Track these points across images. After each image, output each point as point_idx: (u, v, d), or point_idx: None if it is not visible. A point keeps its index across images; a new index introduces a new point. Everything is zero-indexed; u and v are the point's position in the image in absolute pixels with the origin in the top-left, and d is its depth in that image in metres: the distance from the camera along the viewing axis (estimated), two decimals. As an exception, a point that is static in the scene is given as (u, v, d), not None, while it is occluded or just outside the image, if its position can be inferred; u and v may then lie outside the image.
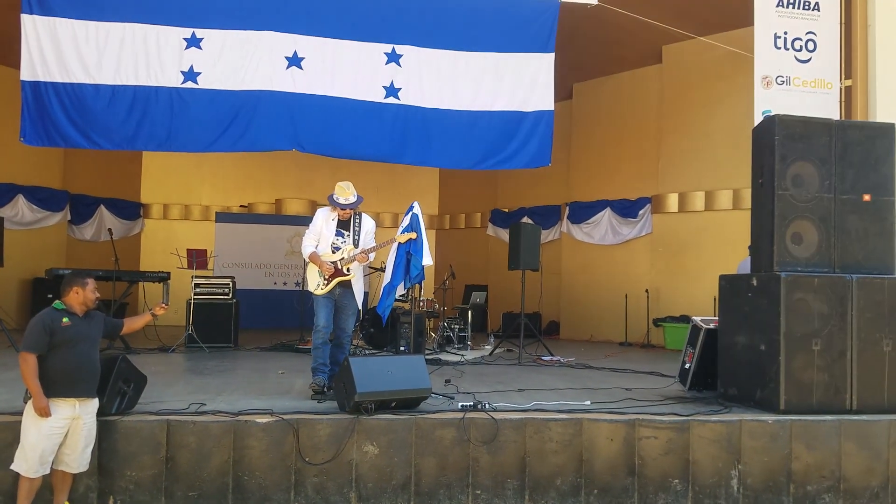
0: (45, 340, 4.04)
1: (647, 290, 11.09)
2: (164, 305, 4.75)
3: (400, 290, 6.15)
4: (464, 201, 14.86)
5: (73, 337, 4.14)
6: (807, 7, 7.46)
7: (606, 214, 12.14)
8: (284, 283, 12.95)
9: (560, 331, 12.77)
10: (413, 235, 5.94)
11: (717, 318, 6.02)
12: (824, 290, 5.26)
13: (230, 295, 9.06)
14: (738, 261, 7.42)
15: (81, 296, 4.23)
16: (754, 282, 5.47)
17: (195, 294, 8.87)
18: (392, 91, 7.23)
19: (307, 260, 5.82)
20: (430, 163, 8.06)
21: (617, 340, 11.32)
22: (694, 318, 6.35)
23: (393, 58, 7.19)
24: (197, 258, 9.25)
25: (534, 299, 11.20)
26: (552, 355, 8.81)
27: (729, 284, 5.84)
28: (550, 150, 7.49)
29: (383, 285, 6.26)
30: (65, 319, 4.14)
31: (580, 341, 11.65)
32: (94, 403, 4.26)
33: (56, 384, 4.05)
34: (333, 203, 5.79)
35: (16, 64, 6.77)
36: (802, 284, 5.23)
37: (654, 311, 11.01)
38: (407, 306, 8.57)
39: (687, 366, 6.12)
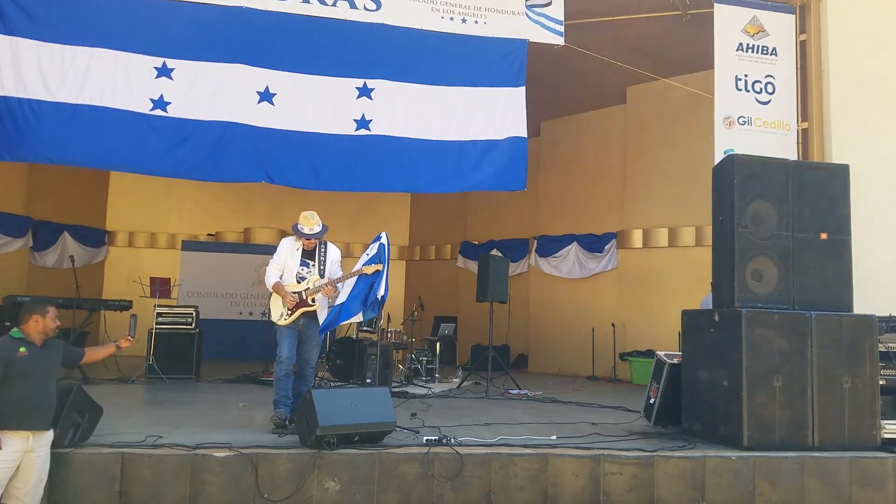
0: (0, 371, 3.92)
1: (613, 325, 11.18)
2: (129, 338, 4.61)
3: (356, 319, 6.01)
4: (434, 233, 14.90)
5: (30, 368, 4.03)
6: (765, 52, 7.74)
7: (573, 249, 12.28)
8: (250, 314, 12.75)
9: (528, 364, 12.77)
10: (380, 267, 5.89)
11: (680, 353, 6.09)
12: (784, 326, 5.35)
13: (193, 325, 8.89)
14: (702, 297, 7.53)
15: (41, 324, 4.13)
16: (716, 317, 5.56)
17: (157, 323, 8.70)
18: (363, 123, 7.26)
19: (271, 290, 5.75)
20: (402, 189, 8.08)
21: (584, 374, 11.36)
22: (658, 352, 6.40)
23: (364, 92, 7.24)
24: (160, 287, 9.08)
25: (503, 331, 11.21)
26: (520, 389, 8.79)
27: (691, 320, 5.92)
28: (525, 175, 7.53)
29: (334, 304, 5.86)
30: (21, 349, 4.03)
31: (548, 374, 11.66)
32: (49, 436, 4.13)
33: (8, 416, 3.92)
34: (298, 233, 5.75)
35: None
36: (763, 321, 5.33)
37: (621, 346, 11.09)
38: (374, 337, 8.50)
39: (652, 401, 6.15)
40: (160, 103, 6.73)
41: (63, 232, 12.35)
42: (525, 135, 7.56)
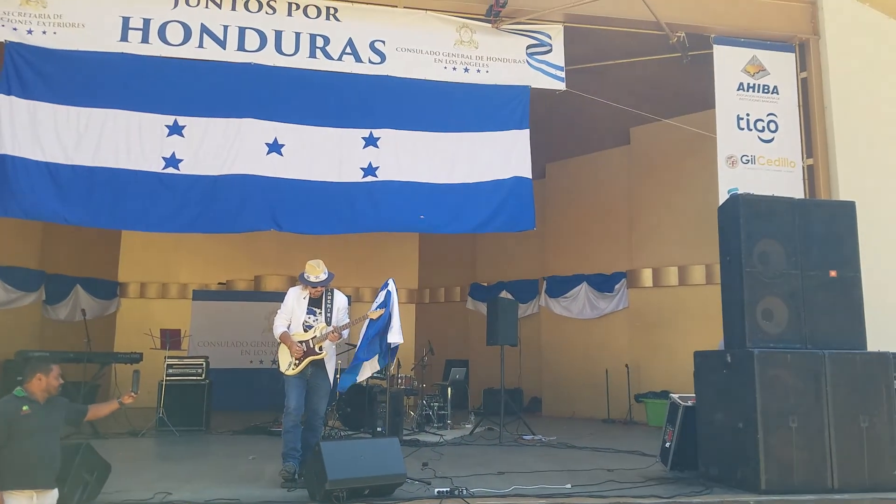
0: (3, 433, 3.91)
1: (627, 365, 11.04)
2: (132, 394, 4.62)
3: (369, 370, 5.99)
4: (443, 275, 14.89)
5: (33, 426, 4.00)
6: (766, 91, 7.81)
7: (583, 289, 12.21)
8: (261, 362, 12.69)
9: (542, 407, 12.58)
10: (383, 312, 5.87)
11: (694, 394, 5.99)
12: (797, 366, 5.27)
13: (203, 375, 8.89)
14: (717, 335, 7.40)
15: (44, 382, 4.13)
16: (728, 358, 5.49)
17: (167, 375, 8.69)
18: (370, 171, 7.35)
19: (278, 340, 5.76)
20: (409, 229, 8.14)
21: (599, 417, 11.17)
22: (672, 395, 6.31)
23: (370, 141, 7.35)
24: (171, 338, 9.11)
25: (515, 374, 11.09)
26: (534, 434, 8.65)
27: (704, 361, 5.85)
28: (533, 215, 7.56)
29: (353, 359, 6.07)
30: (25, 407, 4.02)
31: (563, 418, 11.47)
32: (54, 495, 4.07)
33: (12, 475, 3.89)
34: (304, 281, 5.80)
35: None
36: (776, 361, 5.25)
37: (636, 387, 10.93)
38: (384, 384, 8.44)
39: (667, 444, 6.04)
40: (172, 161, 6.85)
41: (76, 285, 12.40)
42: (529, 175, 7.62)
